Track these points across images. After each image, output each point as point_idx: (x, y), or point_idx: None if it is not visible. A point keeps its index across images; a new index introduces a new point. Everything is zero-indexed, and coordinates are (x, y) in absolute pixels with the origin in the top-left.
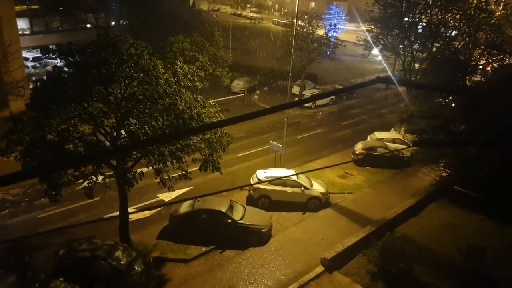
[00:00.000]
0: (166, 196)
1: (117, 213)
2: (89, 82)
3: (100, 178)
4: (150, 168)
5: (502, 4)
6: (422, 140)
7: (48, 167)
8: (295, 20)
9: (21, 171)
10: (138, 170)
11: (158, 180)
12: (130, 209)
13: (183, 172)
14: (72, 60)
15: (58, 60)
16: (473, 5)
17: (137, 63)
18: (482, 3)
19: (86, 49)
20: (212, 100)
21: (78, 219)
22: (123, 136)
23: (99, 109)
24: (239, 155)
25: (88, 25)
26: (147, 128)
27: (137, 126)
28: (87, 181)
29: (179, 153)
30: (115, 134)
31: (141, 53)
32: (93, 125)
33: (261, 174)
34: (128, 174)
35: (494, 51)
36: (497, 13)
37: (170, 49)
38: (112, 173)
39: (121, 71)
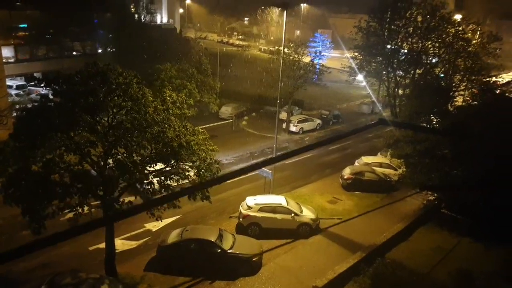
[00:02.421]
0: (154, 226)
1: (103, 244)
2: (77, 111)
3: (86, 208)
4: (138, 197)
5: (478, 32)
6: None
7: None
8: (281, 48)
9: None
10: (126, 200)
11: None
12: (117, 240)
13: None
14: (59, 89)
15: (43, 88)
16: (451, 33)
17: (125, 92)
18: (460, 32)
19: (74, 78)
20: (201, 127)
21: (62, 252)
22: (111, 165)
23: (86, 139)
24: (227, 182)
25: (74, 53)
26: (135, 157)
27: (125, 155)
28: (73, 212)
29: (168, 181)
30: (102, 163)
31: (130, 82)
32: (80, 154)
33: (251, 200)
34: (115, 204)
35: (473, 77)
36: (473, 41)
37: (158, 77)
38: (98, 203)
39: (109, 100)
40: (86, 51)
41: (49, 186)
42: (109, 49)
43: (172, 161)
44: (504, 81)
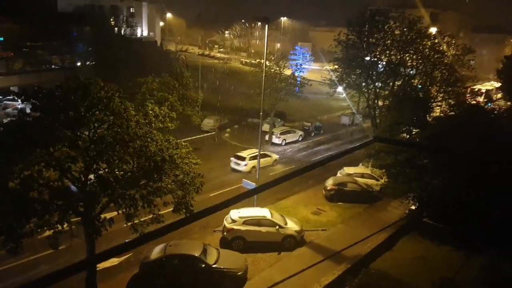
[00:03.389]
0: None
1: None
2: (57, 126)
3: (66, 226)
4: (119, 212)
5: (453, 45)
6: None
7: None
8: (263, 61)
9: None
10: (108, 216)
11: (128, 225)
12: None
13: (155, 215)
14: (39, 103)
15: (20, 102)
16: (428, 46)
17: (107, 106)
18: (436, 45)
19: (54, 92)
20: (183, 140)
21: (41, 271)
22: (92, 180)
23: (67, 154)
24: (211, 195)
25: (53, 66)
26: (117, 172)
27: (106, 170)
28: (52, 230)
29: (151, 196)
30: (83, 179)
31: (112, 96)
32: (60, 170)
33: (235, 214)
34: (96, 221)
35: (449, 88)
36: (449, 54)
37: (139, 90)
38: (79, 219)
39: (90, 114)
40: (65, 64)
41: (27, 203)
42: (88, 63)
43: (155, 176)
44: (479, 90)
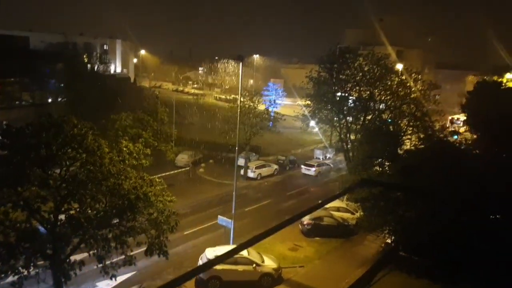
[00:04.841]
0: (107, 284)
1: None
2: (26, 164)
3: (32, 270)
4: (90, 253)
5: (419, 81)
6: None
7: None
8: (238, 97)
9: None
10: (78, 258)
11: (99, 267)
12: None
13: (126, 256)
14: (7, 141)
15: None
16: (395, 82)
17: (80, 144)
18: (403, 80)
19: (24, 130)
20: (157, 176)
21: None
22: (63, 221)
23: (36, 193)
24: (185, 233)
25: (24, 103)
26: (89, 211)
27: (78, 209)
28: (17, 276)
29: (124, 236)
30: (53, 219)
31: (85, 133)
32: (28, 211)
33: (211, 253)
34: (65, 264)
35: (418, 122)
36: (415, 89)
37: (112, 127)
38: (47, 263)
39: (62, 152)
40: (36, 101)
41: None
42: (60, 99)
43: (129, 215)
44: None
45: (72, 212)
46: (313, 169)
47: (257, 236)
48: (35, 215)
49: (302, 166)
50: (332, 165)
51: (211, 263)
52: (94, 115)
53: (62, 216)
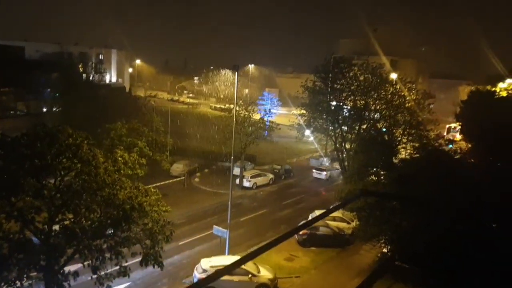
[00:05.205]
0: None
1: None
2: (21, 174)
3: (25, 282)
4: (84, 264)
5: (413, 90)
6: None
7: None
8: (233, 106)
9: None
10: (72, 269)
11: (93, 278)
12: None
13: (121, 267)
14: (2, 152)
15: None
16: (390, 91)
17: (75, 154)
18: (398, 90)
19: (19, 140)
20: (152, 186)
21: None
22: (57, 232)
23: (30, 204)
24: (180, 243)
25: (18, 112)
26: (84, 222)
27: (73, 220)
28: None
29: (119, 247)
30: (47, 230)
31: (80, 143)
32: (22, 221)
33: (206, 263)
34: (59, 275)
35: (412, 131)
36: (408, 98)
37: (107, 136)
38: (38, 273)
39: (57, 162)
40: (31, 111)
41: None
42: (55, 109)
43: (124, 225)
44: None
45: (66, 222)
46: (324, 173)
47: (259, 248)
48: (28, 226)
49: (314, 171)
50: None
51: (212, 278)
52: (89, 124)
53: (56, 227)
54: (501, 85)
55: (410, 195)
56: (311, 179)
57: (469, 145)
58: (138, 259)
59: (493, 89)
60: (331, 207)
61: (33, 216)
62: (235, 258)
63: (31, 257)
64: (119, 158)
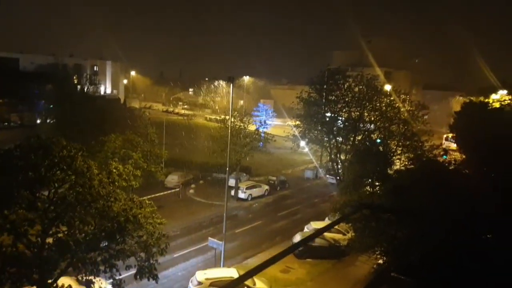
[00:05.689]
0: None
1: None
2: (14, 186)
3: None
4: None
5: (407, 102)
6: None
7: None
8: (228, 117)
9: None
10: (65, 284)
11: None
12: None
13: (115, 280)
14: None
15: None
16: (384, 103)
17: (69, 166)
18: (392, 101)
19: (12, 151)
20: (147, 197)
21: None
22: (50, 244)
23: (23, 216)
24: (175, 255)
25: (12, 124)
26: (78, 234)
27: (66, 232)
28: None
29: (113, 260)
30: (40, 243)
31: (75, 155)
32: (15, 234)
33: (201, 275)
34: None
35: (407, 142)
36: (402, 109)
37: (102, 149)
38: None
39: (51, 174)
40: (24, 122)
41: None
42: (49, 120)
43: (118, 237)
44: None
45: (60, 235)
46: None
47: (263, 263)
48: (21, 239)
49: (327, 176)
50: None
51: None
52: (83, 136)
53: (49, 240)
54: (493, 96)
55: (408, 208)
56: (306, 190)
57: (464, 156)
58: (133, 272)
59: (486, 100)
60: (332, 221)
61: (26, 228)
62: (230, 270)
63: (24, 271)
64: (114, 170)
